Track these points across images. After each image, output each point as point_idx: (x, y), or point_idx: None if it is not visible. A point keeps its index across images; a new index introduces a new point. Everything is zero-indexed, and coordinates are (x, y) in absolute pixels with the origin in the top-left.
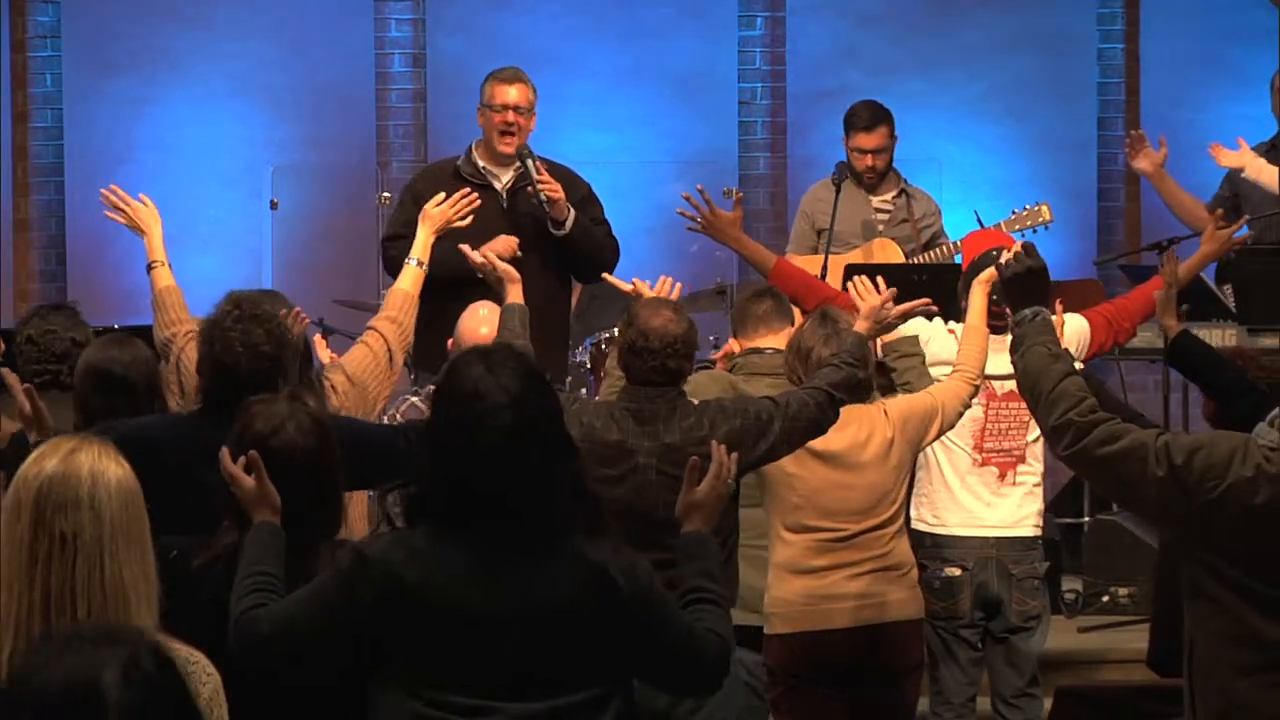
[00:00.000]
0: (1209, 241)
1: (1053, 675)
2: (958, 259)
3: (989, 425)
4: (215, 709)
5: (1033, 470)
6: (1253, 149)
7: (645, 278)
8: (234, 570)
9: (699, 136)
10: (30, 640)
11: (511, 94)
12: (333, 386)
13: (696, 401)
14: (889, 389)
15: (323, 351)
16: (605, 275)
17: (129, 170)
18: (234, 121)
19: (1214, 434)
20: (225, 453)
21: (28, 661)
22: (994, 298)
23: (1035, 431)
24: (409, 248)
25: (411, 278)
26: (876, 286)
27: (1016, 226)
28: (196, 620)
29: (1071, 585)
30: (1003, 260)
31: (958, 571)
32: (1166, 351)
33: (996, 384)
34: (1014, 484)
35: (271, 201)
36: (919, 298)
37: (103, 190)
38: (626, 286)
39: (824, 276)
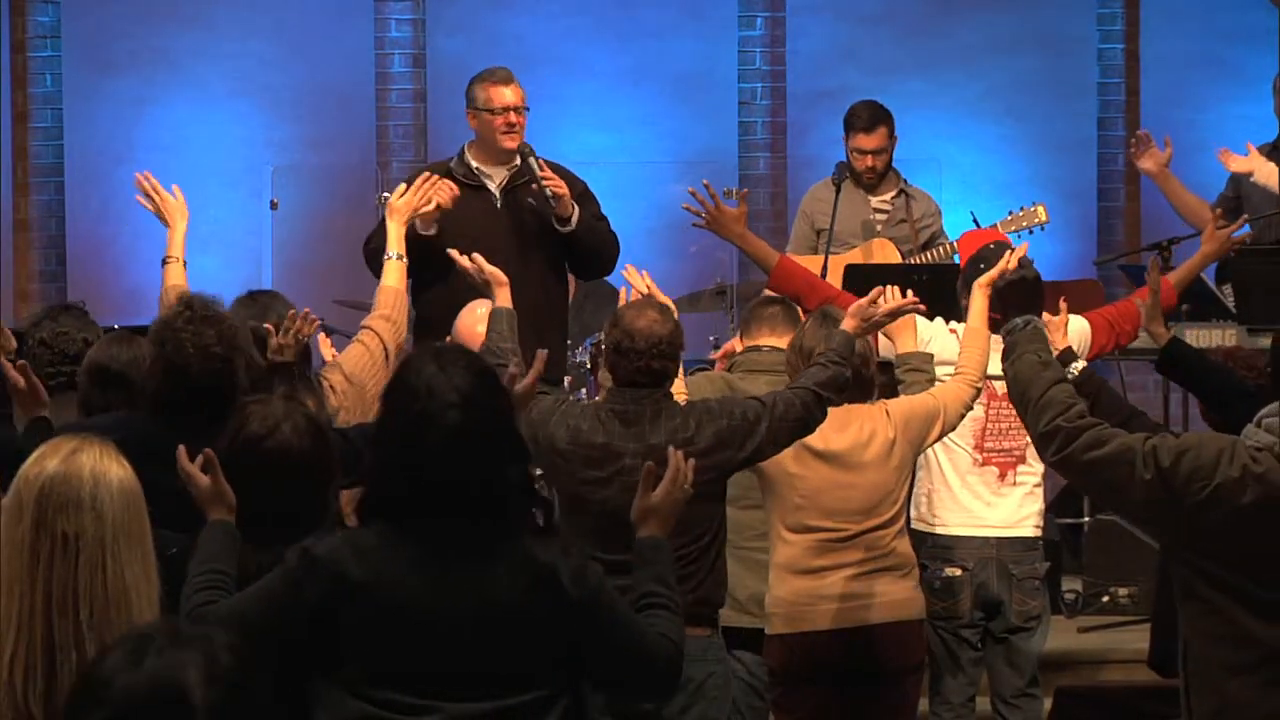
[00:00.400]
0: (1209, 241)
1: (1053, 675)
2: (956, 259)
3: (990, 425)
4: None
5: (1033, 471)
6: (1259, 148)
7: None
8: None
9: (699, 136)
10: (32, 641)
11: (509, 95)
12: (331, 386)
13: (684, 403)
14: (890, 388)
15: (326, 351)
16: (629, 270)
17: (129, 170)
18: (234, 121)
19: (1201, 436)
20: (182, 451)
21: (103, 665)
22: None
23: None
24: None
25: (396, 273)
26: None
27: (1013, 227)
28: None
29: (1071, 585)
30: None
31: (958, 572)
32: (1157, 359)
33: (997, 384)
34: (1014, 484)
35: (271, 201)
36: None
37: (138, 174)
38: (641, 286)
39: (824, 276)
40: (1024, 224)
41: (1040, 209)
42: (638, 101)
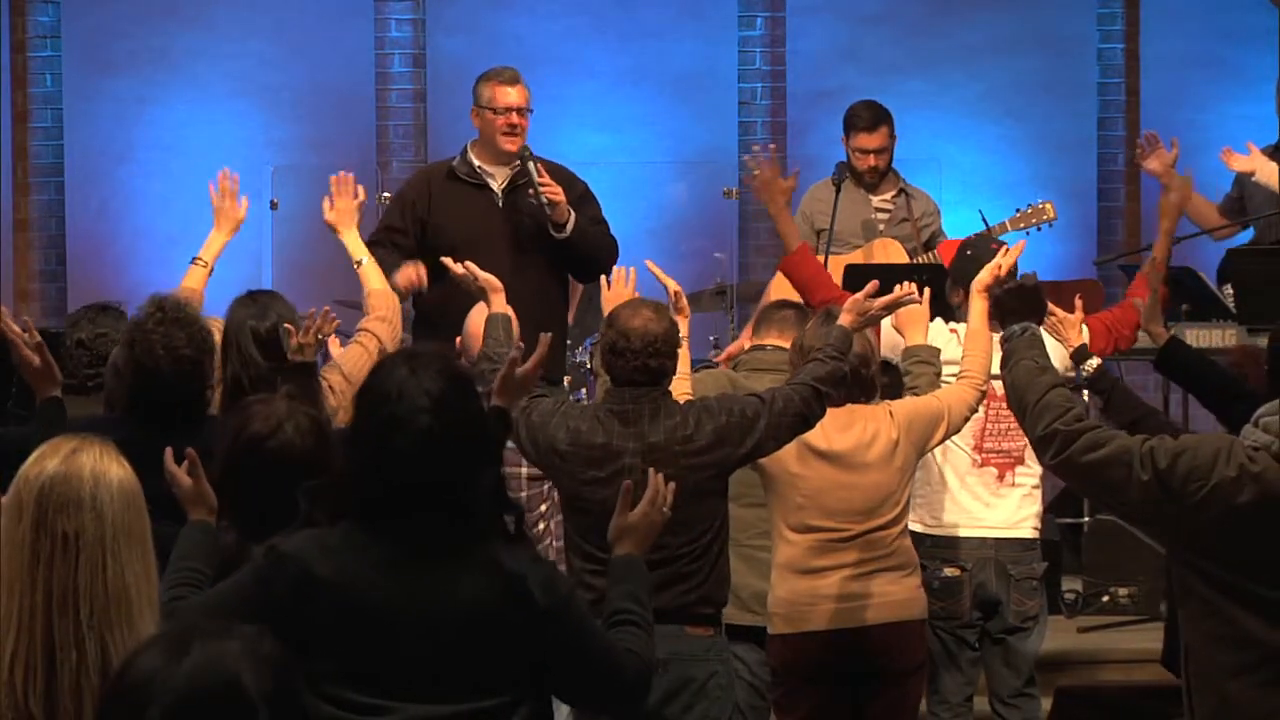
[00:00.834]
0: (1163, 217)
1: (1053, 675)
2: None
3: (989, 426)
4: None
5: (1032, 472)
6: (1263, 150)
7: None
8: (231, 570)
9: (699, 136)
10: (32, 640)
11: (513, 95)
12: (330, 386)
13: (683, 400)
14: (891, 389)
15: (336, 350)
16: (651, 266)
17: (129, 170)
18: (234, 121)
19: (1199, 436)
20: (169, 453)
21: (141, 663)
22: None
23: None
24: (394, 248)
25: (375, 276)
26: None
27: (1021, 225)
28: None
29: (1071, 585)
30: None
31: (957, 572)
32: (1156, 360)
33: (996, 384)
34: (1013, 485)
35: (271, 201)
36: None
37: (226, 169)
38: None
39: None
40: (1033, 221)
41: (1048, 206)
42: (638, 101)
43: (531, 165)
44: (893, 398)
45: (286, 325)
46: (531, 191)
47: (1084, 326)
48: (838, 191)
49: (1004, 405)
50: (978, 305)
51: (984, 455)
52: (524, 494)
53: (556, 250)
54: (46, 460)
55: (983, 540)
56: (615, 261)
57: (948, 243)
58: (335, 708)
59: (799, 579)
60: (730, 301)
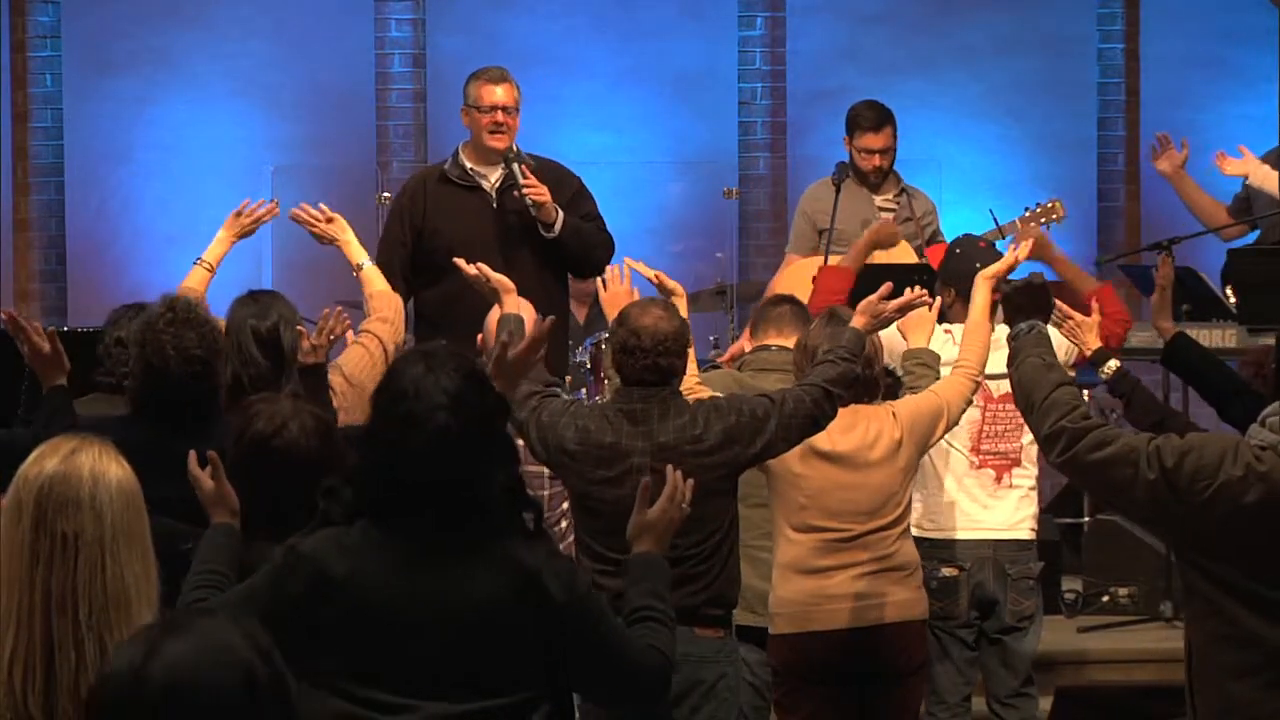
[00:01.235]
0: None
1: (1053, 675)
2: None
3: (986, 427)
4: None
5: (1028, 473)
6: (1267, 154)
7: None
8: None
9: (699, 136)
10: (31, 640)
11: (499, 94)
12: (331, 387)
13: (693, 400)
14: (890, 391)
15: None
16: (630, 261)
17: (129, 170)
18: (234, 121)
19: (1205, 436)
20: (193, 455)
21: (133, 655)
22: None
23: (1030, 433)
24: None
25: (375, 278)
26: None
27: (1031, 223)
28: None
29: (1071, 585)
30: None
31: (955, 572)
32: (1162, 354)
33: (993, 385)
34: (1010, 486)
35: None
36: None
37: (275, 203)
38: (649, 274)
39: None
40: (1042, 220)
41: (1057, 204)
42: (638, 101)
43: (516, 166)
44: (889, 399)
45: (299, 328)
46: (517, 194)
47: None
48: (838, 191)
49: (1000, 407)
50: (980, 296)
51: (982, 457)
52: (545, 492)
53: (551, 249)
54: (46, 460)
55: (981, 541)
56: (612, 257)
57: (935, 247)
58: (357, 706)
59: (801, 579)
60: (730, 301)
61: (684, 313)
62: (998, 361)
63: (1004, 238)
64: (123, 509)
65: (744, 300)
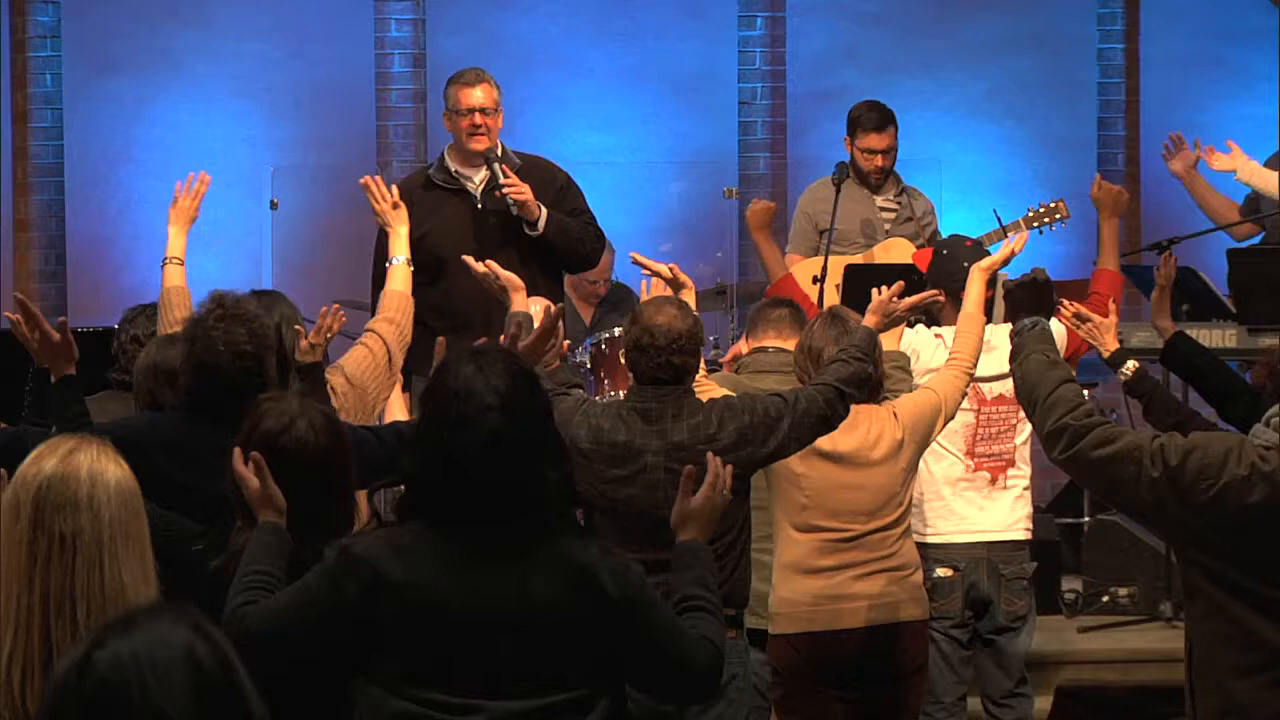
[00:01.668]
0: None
1: (1053, 675)
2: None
3: (980, 430)
4: None
5: (1022, 474)
6: (1270, 159)
7: (644, 279)
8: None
9: (699, 136)
10: (30, 641)
11: (477, 96)
12: (332, 388)
13: (705, 399)
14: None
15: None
16: (636, 256)
17: (129, 170)
18: (234, 121)
19: (1209, 435)
20: (238, 454)
21: (80, 648)
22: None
23: (1023, 434)
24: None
25: (403, 276)
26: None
27: (1035, 224)
28: (218, 617)
29: (1071, 585)
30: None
31: (950, 572)
32: (1161, 354)
33: (986, 388)
34: (1005, 488)
35: (271, 202)
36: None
37: (203, 173)
38: (662, 269)
39: (824, 276)
40: (1046, 220)
41: (1061, 204)
42: (638, 101)
43: (496, 166)
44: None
45: (296, 326)
46: (499, 194)
47: (1061, 326)
48: (838, 191)
49: (994, 409)
50: (975, 288)
51: (976, 460)
52: None
53: (539, 247)
54: (44, 460)
55: (976, 543)
56: (602, 251)
57: (921, 251)
58: (421, 707)
59: (802, 579)
60: (730, 301)
61: (691, 303)
62: (990, 364)
63: (1008, 237)
64: (120, 508)
65: (744, 300)
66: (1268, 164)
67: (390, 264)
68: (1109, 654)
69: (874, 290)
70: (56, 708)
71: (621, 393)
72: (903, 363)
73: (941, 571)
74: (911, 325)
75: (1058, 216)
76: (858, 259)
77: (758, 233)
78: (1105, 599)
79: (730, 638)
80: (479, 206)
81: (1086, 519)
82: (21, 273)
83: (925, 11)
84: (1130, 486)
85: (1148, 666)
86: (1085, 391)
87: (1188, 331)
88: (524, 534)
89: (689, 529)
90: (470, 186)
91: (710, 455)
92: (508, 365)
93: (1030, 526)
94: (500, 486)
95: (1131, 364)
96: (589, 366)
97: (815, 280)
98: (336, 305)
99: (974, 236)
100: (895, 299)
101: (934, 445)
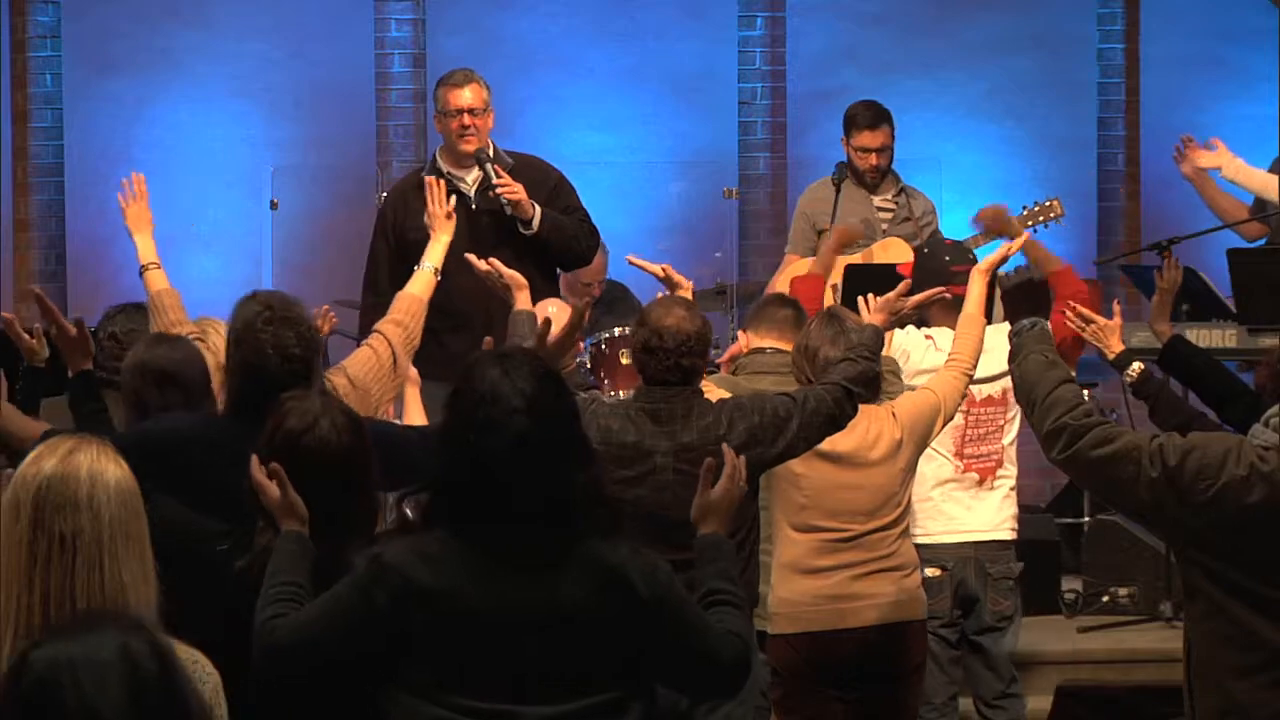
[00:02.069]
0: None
1: (1053, 675)
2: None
3: (969, 431)
4: (215, 708)
5: (1009, 475)
6: (1274, 163)
7: (645, 278)
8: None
9: (699, 136)
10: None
11: (465, 96)
12: (334, 388)
13: (714, 400)
14: None
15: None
16: (632, 258)
17: (129, 170)
18: (234, 121)
19: (1208, 435)
20: (255, 461)
21: (26, 652)
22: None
23: (1010, 435)
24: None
25: (424, 283)
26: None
27: (1029, 222)
28: (241, 617)
29: (1071, 585)
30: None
31: (938, 572)
32: (1159, 357)
33: (975, 389)
34: (992, 488)
35: (271, 202)
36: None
37: (135, 174)
38: (655, 269)
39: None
40: (1040, 219)
41: (1056, 203)
42: (638, 101)
43: (489, 167)
44: None
45: None
46: (492, 194)
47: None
48: (838, 191)
49: (983, 411)
50: (976, 289)
51: (965, 461)
52: None
53: (533, 246)
54: (44, 460)
55: (963, 543)
56: (596, 248)
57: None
58: (454, 713)
59: (801, 579)
60: (730, 301)
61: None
62: (981, 366)
63: (999, 237)
64: (120, 508)
65: (744, 300)
66: (1272, 169)
67: (419, 267)
68: (1109, 654)
69: (860, 297)
70: None
71: (622, 393)
72: (894, 367)
73: (930, 571)
74: (902, 326)
75: (1052, 215)
76: (856, 258)
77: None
78: (1105, 599)
79: None
80: (473, 207)
81: (1086, 519)
82: (21, 273)
83: (925, 11)
84: (1129, 486)
85: (1148, 666)
86: (1085, 391)
87: (1188, 332)
88: (552, 536)
89: (710, 522)
90: (463, 187)
91: (725, 447)
92: (533, 368)
93: (1016, 527)
94: (527, 489)
95: (1137, 365)
96: (589, 367)
97: None
98: (326, 307)
99: (973, 235)
100: (902, 298)
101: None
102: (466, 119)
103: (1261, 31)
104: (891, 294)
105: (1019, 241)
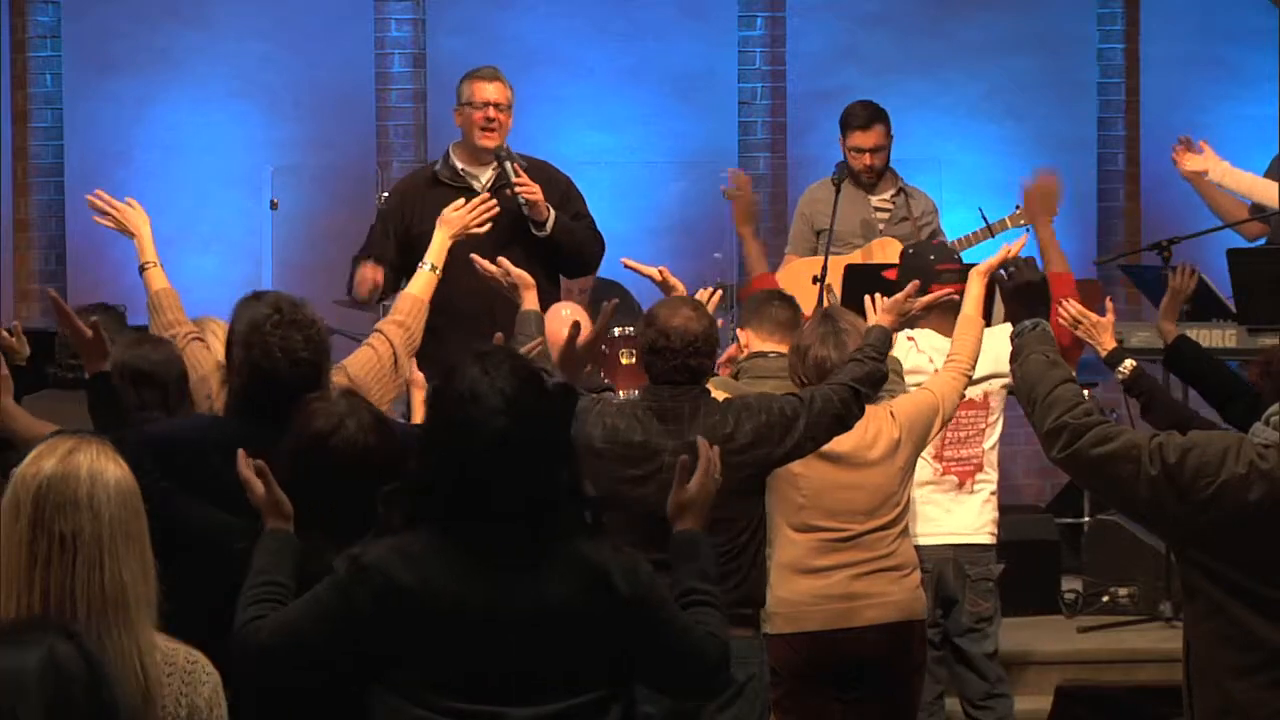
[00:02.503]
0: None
1: (1053, 675)
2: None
3: (950, 434)
4: (215, 708)
5: (990, 479)
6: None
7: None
8: (313, 576)
9: (699, 136)
10: None
11: (491, 91)
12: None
13: (721, 399)
14: None
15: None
16: (627, 261)
17: (129, 170)
18: (234, 121)
19: (1208, 434)
20: (242, 455)
21: None
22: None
23: (991, 439)
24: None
25: (424, 282)
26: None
27: (1021, 221)
28: None
29: (1071, 585)
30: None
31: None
32: (1164, 356)
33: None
34: (972, 492)
35: (271, 202)
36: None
37: (88, 196)
38: (652, 272)
39: (824, 276)
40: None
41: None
42: (638, 101)
43: (508, 165)
44: None
45: None
46: (510, 192)
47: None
48: (838, 191)
49: (964, 414)
50: (974, 289)
51: (945, 464)
52: None
53: (543, 248)
54: (43, 460)
55: (943, 545)
56: (603, 256)
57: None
58: (437, 714)
59: (800, 579)
60: (730, 301)
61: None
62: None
63: (994, 236)
64: (120, 508)
65: (744, 301)
66: (1268, 171)
67: (422, 267)
68: (1109, 654)
69: (867, 296)
70: None
71: (622, 393)
72: (896, 367)
73: None
74: (911, 327)
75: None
76: (856, 258)
77: (744, 227)
78: (1105, 599)
79: (747, 636)
80: None
81: (1086, 519)
82: (21, 273)
83: (925, 11)
84: (1128, 485)
85: (1148, 666)
86: (1085, 391)
87: (1188, 331)
88: (537, 536)
89: (686, 518)
90: (476, 185)
91: (701, 440)
92: (514, 367)
93: (996, 531)
94: (508, 488)
95: (1129, 363)
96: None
97: (815, 280)
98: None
99: (974, 233)
100: (911, 299)
101: None
102: (492, 112)
103: (1261, 31)
104: (900, 295)
105: (1019, 244)
